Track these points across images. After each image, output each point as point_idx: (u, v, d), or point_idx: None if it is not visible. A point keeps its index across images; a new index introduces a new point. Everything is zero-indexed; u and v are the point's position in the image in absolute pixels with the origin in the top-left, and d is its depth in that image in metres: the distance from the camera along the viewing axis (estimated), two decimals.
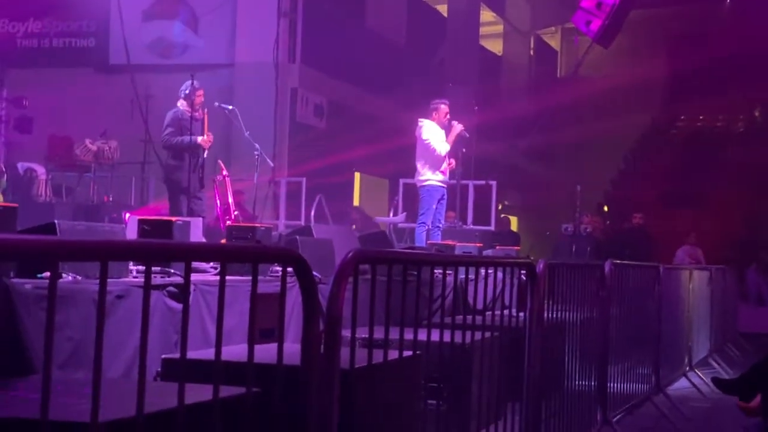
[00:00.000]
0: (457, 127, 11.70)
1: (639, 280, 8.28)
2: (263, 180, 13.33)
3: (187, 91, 10.76)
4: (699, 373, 10.10)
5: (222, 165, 12.07)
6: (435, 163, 11.56)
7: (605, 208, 24.55)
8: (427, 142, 11.55)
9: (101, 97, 16.18)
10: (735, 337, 14.42)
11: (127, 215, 11.46)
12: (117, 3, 16.39)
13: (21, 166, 14.34)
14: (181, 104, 10.74)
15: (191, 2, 17.16)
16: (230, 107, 11.64)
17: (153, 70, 16.14)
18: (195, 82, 10.86)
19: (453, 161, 11.87)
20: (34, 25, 17.70)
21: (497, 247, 11.78)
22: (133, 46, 16.00)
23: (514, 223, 23.52)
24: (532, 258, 6.82)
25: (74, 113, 15.83)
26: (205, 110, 10.96)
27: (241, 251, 3.13)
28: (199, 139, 10.65)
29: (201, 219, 9.56)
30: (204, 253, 2.93)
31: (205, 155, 10.78)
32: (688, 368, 10.17)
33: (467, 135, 12.04)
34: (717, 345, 12.29)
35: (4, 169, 13.45)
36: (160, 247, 2.54)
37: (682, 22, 29.25)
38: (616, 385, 7.19)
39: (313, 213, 14.89)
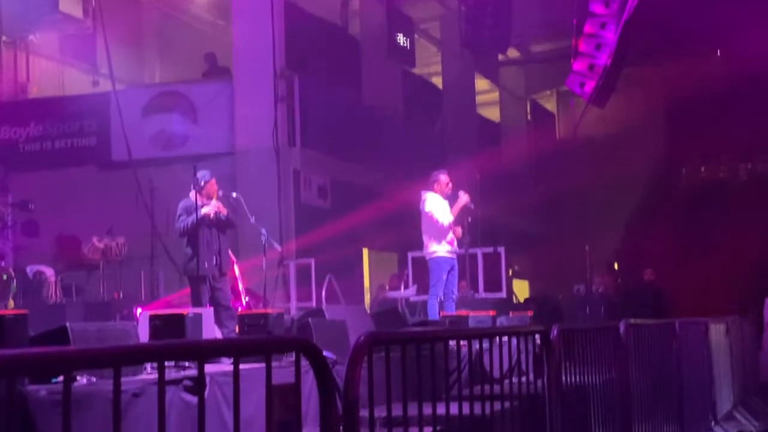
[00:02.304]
0: (463, 198, 11.75)
1: (655, 337, 8.22)
2: (272, 261, 13.29)
3: (201, 183, 10.46)
4: (725, 427, 9.97)
5: (230, 252, 12.03)
6: (440, 234, 11.57)
7: (615, 266, 24.46)
8: (430, 214, 11.58)
9: (105, 194, 16.22)
10: (758, 388, 14.24)
11: (139, 311, 11.43)
12: (116, 101, 16.57)
13: (30, 269, 14.33)
14: (192, 195, 10.40)
15: (188, 94, 17.32)
16: (234, 194, 11.57)
17: (155, 164, 16.24)
18: (203, 172, 10.65)
19: (459, 229, 11.87)
20: (35, 129, 17.83)
21: (511, 314, 11.72)
22: (134, 142, 16.12)
23: (525, 288, 23.43)
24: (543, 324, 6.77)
25: (80, 212, 15.86)
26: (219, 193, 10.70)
27: (252, 345, 3.12)
28: (203, 210, 10.27)
29: (212, 309, 9.48)
30: (216, 350, 2.93)
31: (216, 232, 10.38)
32: (713, 422, 10.03)
33: (472, 206, 12.07)
34: (741, 397, 12.14)
35: (13, 274, 13.46)
36: (171, 347, 2.54)
37: (677, 76, 29.42)
38: None
39: (324, 293, 14.85)
